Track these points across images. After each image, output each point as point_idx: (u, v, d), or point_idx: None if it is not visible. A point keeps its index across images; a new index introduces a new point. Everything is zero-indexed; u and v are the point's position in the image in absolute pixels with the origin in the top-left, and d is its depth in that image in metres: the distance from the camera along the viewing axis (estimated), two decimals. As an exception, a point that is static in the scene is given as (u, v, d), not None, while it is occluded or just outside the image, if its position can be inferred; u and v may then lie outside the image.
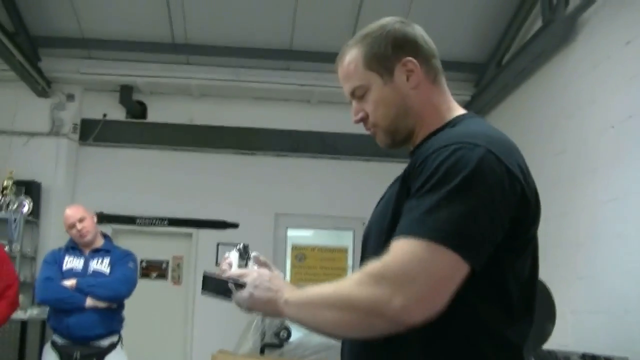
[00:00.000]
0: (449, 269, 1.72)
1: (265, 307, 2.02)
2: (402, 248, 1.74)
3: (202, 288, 2.20)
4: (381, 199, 2.16)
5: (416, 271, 1.70)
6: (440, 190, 1.76)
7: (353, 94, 2.14)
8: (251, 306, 2.04)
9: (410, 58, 2.07)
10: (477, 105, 8.92)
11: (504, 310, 1.86)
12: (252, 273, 2.10)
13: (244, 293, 2.04)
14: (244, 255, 2.27)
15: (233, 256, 2.27)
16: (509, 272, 1.86)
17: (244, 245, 2.31)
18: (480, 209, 1.75)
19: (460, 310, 1.80)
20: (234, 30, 8.93)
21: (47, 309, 6.12)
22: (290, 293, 1.98)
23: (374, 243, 1.95)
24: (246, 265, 2.24)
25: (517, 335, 1.89)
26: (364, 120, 2.15)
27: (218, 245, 9.51)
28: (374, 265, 1.77)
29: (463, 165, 1.77)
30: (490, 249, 1.78)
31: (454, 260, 1.71)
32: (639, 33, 5.66)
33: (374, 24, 2.16)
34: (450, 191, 1.75)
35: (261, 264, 2.23)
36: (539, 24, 7.43)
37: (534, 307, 1.96)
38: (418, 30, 2.15)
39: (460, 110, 2.14)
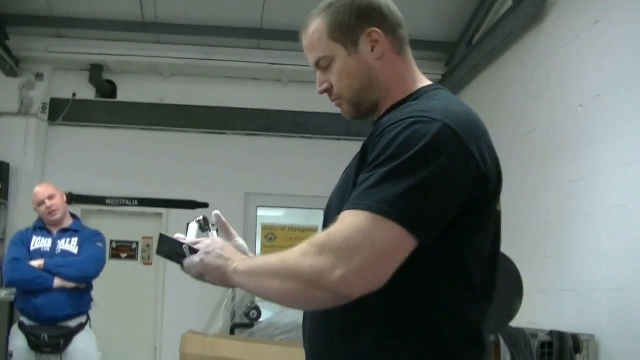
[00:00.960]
0: (392, 242, 1.70)
1: (214, 274, 2.03)
2: (347, 219, 1.73)
3: (157, 249, 2.22)
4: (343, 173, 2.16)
5: (358, 242, 1.68)
6: (391, 164, 1.74)
7: (317, 64, 2.11)
8: (201, 271, 2.06)
9: (374, 28, 2.04)
10: (447, 84, 8.90)
11: (464, 288, 1.86)
12: (206, 240, 2.13)
13: (194, 257, 2.06)
14: (204, 227, 2.28)
15: (192, 227, 2.28)
16: (469, 249, 1.85)
17: (203, 217, 2.32)
18: (430, 183, 1.72)
19: (420, 289, 1.81)
20: (204, 9, 8.85)
21: (15, 290, 6.07)
22: (239, 262, 1.98)
23: (333, 217, 1.95)
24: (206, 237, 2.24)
25: (477, 312, 1.89)
26: (328, 90, 2.12)
27: (188, 224, 9.46)
28: (319, 235, 1.76)
29: (417, 139, 1.75)
30: (439, 224, 1.76)
31: (398, 232, 1.69)
32: (607, 12, 5.68)
33: None
34: (400, 164, 1.73)
35: (222, 224, 2.26)
36: (509, 3, 7.44)
37: (494, 283, 1.95)
38: None
39: (425, 82, 2.11)
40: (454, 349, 1.83)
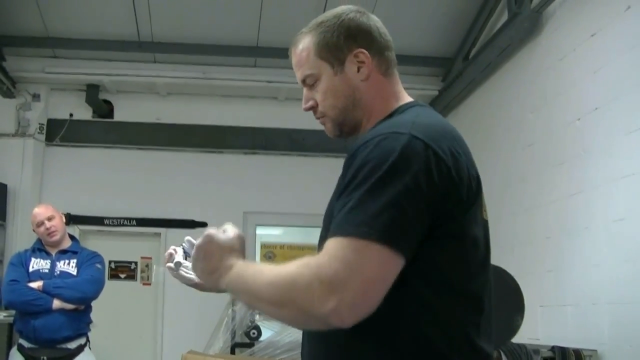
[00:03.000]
0: (380, 267, 1.68)
1: (211, 279, 2.01)
2: (333, 250, 1.71)
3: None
4: None
5: (347, 275, 1.66)
6: (364, 185, 1.74)
7: (304, 81, 2.14)
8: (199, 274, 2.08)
9: (362, 49, 2.06)
10: (444, 99, 8.93)
11: (455, 299, 1.84)
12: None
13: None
14: (189, 251, 2.27)
15: (180, 251, 2.29)
16: (456, 260, 1.84)
17: (188, 241, 2.31)
18: (406, 197, 1.71)
19: (411, 303, 1.79)
20: (199, 28, 8.88)
21: (14, 312, 6.04)
22: (232, 273, 1.94)
23: (322, 239, 1.93)
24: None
25: (471, 323, 1.87)
26: (313, 108, 2.15)
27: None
28: (312, 262, 1.73)
29: (386, 156, 1.75)
30: (420, 235, 1.75)
31: (384, 254, 1.68)
32: (603, 25, 5.68)
33: (329, 12, 2.14)
34: (374, 184, 1.73)
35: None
36: (505, 17, 7.44)
37: (488, 294, 1.95)
38: (373, 21, 2.13)
39: (406, 100, 2.12)
40: None
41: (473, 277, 1.89)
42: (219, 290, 2.01)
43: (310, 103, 2.14)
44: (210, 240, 2.02)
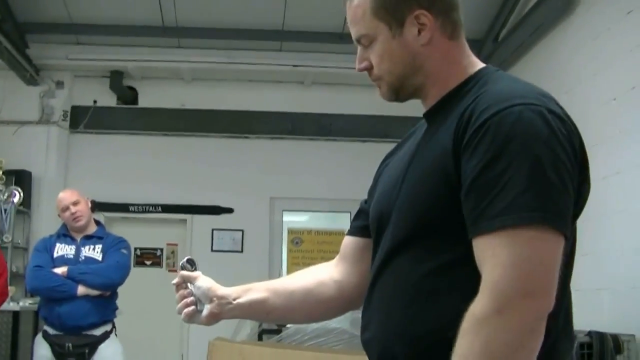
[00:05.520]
0: (554, 253, 1.57)
1: None
2: (504, 251, 1.56)
3: None
4: (378, 175, 2.05)
5: (529, 274, 1.54)
6: (523, 164, 1.57)
7: (359, 41, 1.92)
8: None
9: (423, 11, 1.83)
10: (474, 82, 8.79)
11: (566, 288, 1.75)
12: None
13: None
14: (190, 269, 2.19)
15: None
16: (573, 244, 1.78)
17: (187, 259, 2.23)
18: (565, 175, 1.60)
19: None
20: (224, 11, 8.80)
21: (39, 299, 5.98)
22: None
23: (413, 208, 1.80)
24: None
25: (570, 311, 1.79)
26: (367, 69, 1.93)
27: (213, 230, 9.44)
28: (482, 300, 1.56)
29: (536, 131, 1.60)
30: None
31: (555, 240, 1.57)
32: (640, 2, 5.55)
33: None
34: (534, 163, 1.57)
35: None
36: (536, -3, 7.32)
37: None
38: None
39: (481, 64, 1.92)
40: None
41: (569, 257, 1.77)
42: None
43: (365, 64, 1.93)
44: None
